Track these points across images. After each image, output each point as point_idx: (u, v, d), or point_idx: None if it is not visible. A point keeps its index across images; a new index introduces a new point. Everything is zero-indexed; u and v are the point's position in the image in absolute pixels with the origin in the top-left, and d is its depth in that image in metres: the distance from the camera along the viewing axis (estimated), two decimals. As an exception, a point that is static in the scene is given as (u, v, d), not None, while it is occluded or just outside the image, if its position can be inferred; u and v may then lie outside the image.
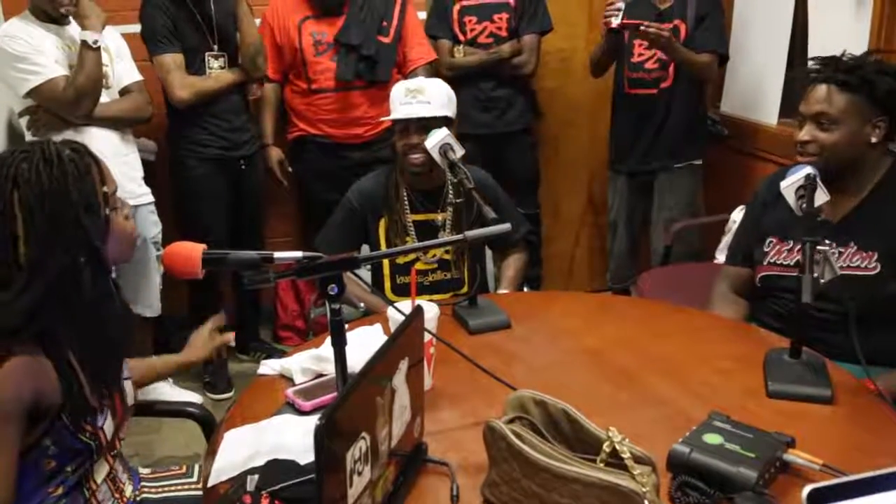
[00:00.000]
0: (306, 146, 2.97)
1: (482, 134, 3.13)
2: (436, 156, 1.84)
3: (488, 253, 2.28)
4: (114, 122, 2.51)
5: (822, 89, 1.68)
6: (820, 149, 1.68)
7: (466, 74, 3.06)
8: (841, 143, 1.67)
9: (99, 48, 2.36)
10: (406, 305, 1.41)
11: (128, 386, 1.35)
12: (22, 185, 1.17)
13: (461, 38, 3.08)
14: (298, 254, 1.15)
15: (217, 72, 2.74)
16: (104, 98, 2.48)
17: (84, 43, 2.34)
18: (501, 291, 2.10)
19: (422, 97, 1.98)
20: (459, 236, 1.33)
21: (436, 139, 1.84)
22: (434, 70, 3.03)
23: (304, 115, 2.94)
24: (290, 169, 3.06)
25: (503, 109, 3.15)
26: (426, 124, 1.95)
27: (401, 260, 2.08)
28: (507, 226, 1.37)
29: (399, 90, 2.02)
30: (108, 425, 1.27)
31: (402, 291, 2.08)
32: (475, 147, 3.15)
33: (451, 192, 2.08)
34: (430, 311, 1.43)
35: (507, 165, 3.22)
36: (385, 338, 1.48)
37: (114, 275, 1.27)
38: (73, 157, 1.21)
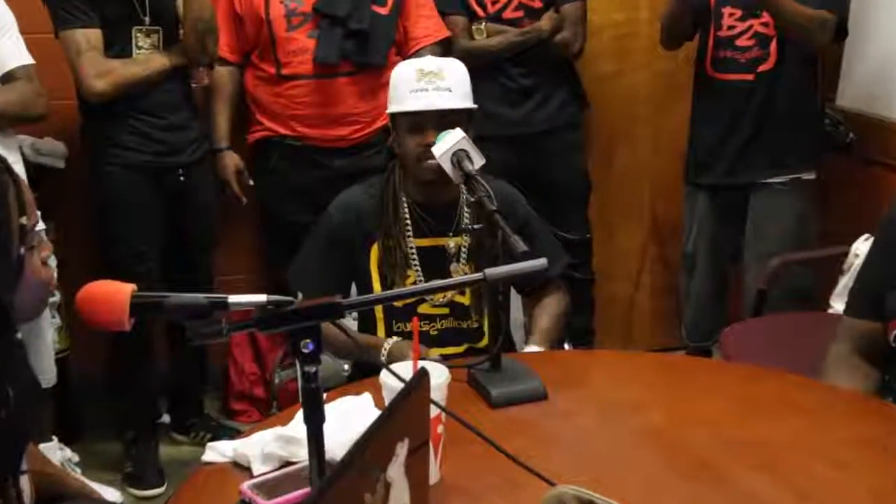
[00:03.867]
0: (273, 151, 3.01)
1: (513, 135, 3.17)
2: (447, 166, 1.87)
3: (515, 296, 2.29)
4: None
5: None
6: None
7: (489, 62, 3.11)
8: None
9: None
10: (405, 367, 1.42)
11: (24, 483, 1.36)
12: None
13: (480, 12, 3.13)
14: (262, 297, 1.17)
15: (147, 53, 2.79)
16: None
17: None
18: (533, 349, 2.11)
19: (440, 82, 2.02)
20: (477, 276, 1.34)
21: (447, 144, 1.87)
22: (444, 51, 3.05)
23: (272, 110, 2.97)
24: (251, 181, 3.10)
25: (539, 102, 3.20)
26: (447, 118, 1.99)
27: (399, 301, 2.10)
28: (541, 261, 1.39)
29: (407, 72, 2.05)
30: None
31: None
32: (503, 152, 3.15)
33: (467, 214, 2.10)
34: (439, 375, 1.43)
35: (547, 174, 3.25)
36: (377, 412, 1.48)
37: (19, 335, 1.29)
38: None
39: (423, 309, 2.11)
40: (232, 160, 3.05)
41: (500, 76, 3.15)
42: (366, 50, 2.89)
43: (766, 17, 2.87)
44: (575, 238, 3.35)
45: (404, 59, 2.95)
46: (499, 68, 3.14)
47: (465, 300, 2.13)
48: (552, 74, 3.20)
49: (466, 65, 3.10)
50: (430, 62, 2.07)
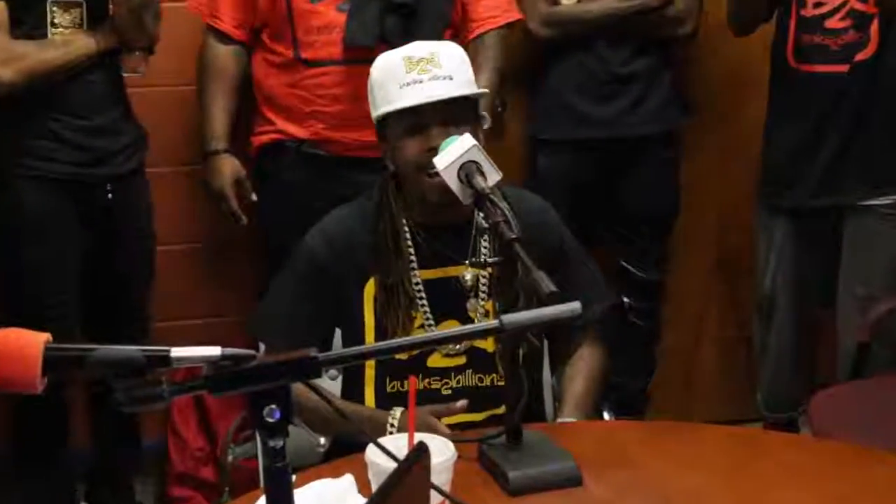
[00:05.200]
0: (286, 158, 3.00)
1: (594, 139, 3.21)
2: (453, 182, 1.88)
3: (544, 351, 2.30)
4: None
5: None
6: None
7: (576, 36, 3.15)
8: None
9: None
10: (398, 441, 1.42)
11: None
12: None
13: None
14: (214, 350, 1.17)
15: (67, 33, 2.81)
16: None
17: None
18: (565, 420, 2.12)
19: (436, 70, 2.03)
20: (492, 324, 1.35)
21: (452, 154, 1.88)
22: (508, 38, 3.06)
23: (286, 105, 2.97)
24: (253, 196, 3.09)
25: (637, 98, 3.23)
26: (453, 114, 2.00)
27: (401, 353, 2.08)
28: (573, 306, 1.39)
29: (391, 64, 2.08)
30: None
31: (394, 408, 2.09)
32: (577, 162, 3.24)
33: (484, 241, 2.11)
34: (442, 452, 1.44)
35: (632, 195, 3.30)
36: (362, 500, 1.48)
37: None
38: None
39: (435, 360, 2.11)
40: (230, 167, 3.04)
41: (585, 57, 3.19)
42: (411, 30, 2.87)
43: (864, -10, 2.88)
44: (648, 278, 3.39)
45: (464, 45, 2.99)
46: (585, 47, 3.17)
47: (487, 345, 2.13)
48: (656, 63, 3.23)
49: (546, 36, 3.19)
50: (419, 47, 2.09)
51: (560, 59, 3.22)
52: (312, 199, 2.95)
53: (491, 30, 3.04)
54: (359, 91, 2.88)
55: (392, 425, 2.00)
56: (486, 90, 2.12)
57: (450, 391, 2.11)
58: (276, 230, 3.09)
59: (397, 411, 2.02)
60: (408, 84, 2.03)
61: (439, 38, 2.87)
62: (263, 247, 3.22)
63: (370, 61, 2.87)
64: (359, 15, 2.86)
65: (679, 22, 3.22)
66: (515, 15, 3.10)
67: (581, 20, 3.17)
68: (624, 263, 3.38)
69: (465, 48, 2.88)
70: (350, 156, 2.96)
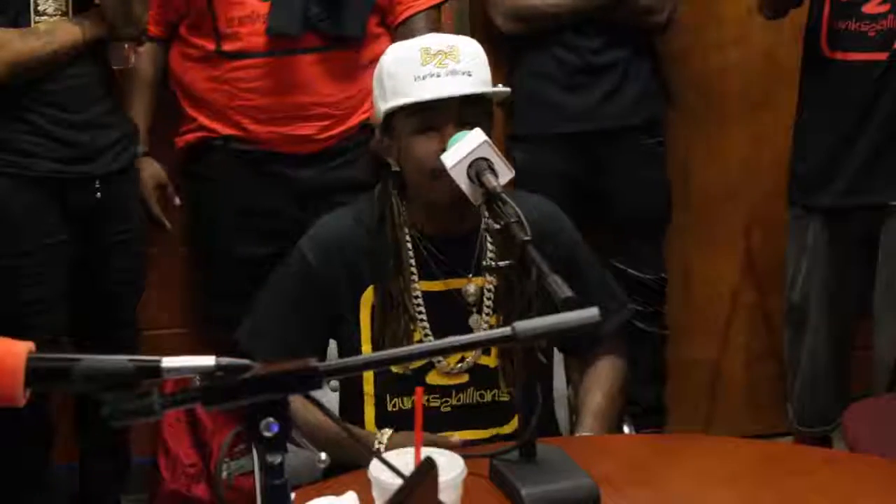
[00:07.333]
0: (214, 157, 3.04)
1: (570, 133, 3.24)
2: (462, 181, 1.88)
3: (558, 359, 2.31)
4: None
5: None
6: None
7: (544, 30, 3.19)
8: None
9: None
10: (403, 456, 1.42)
11: None
12: None
13: None
14: (208, 360, 1.17)
15: (52, 21, 2.81)
16: None
17: None
18: (582, 434, 2.12)
19: (455, 64, 2.03)
20: (503, 331, 1.35)
21: (462, 151, 1.88)
22: (437, 20, 3.09)
23: (210, 102, 3.00)
24: (177, 200, 3.12)
25: (613, 88, 3.25)
26: (469, 115, 2.01)
27: (399, 368, 2.10)
28: (591, 312, 1.39)
29: (406, 55, 2.07)
30: None
31: (397, 427, 2.09)
32: (555, 157, 3.27)
33: (490, 246, 2.12)
34: (451, 468, 1.44)
35: (616, 190, 3.33)
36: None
37: None
38: None
39: (433, 378, 2.11)
40: (151, 170, 3.08)
41: (555, 47, 3.22)
42: (338, 16, 2.91)
43: (906, -30, 2.87)
44: (647, 277, 3.41)
45: (391, 29, 3.02)
46: (556, 36, 3.20)
47: (490, 361, 2.14)
48: (632, 50, 3.26)
49: (512, 31, 3.22)
50: (437, 39, 2.09)
51: (528, 48, 3.27)
52: (245, 200, 2.99)
53: (420, 11, 3.05)
54: (284, 83, 2.95)
55: (379, 440, 2.01)
56: (508, 89, 2.11)
57: (450, 409, 2.12)
58: (209, 234, 3.14)
59: (386, 433, 2.04)
60: (424, 77, 2.02)
61: (365, 23, 2.95)
62: (195, 254, 3.26)
63: (295, 52, 2.94)
64: (282, 3, 2.88)
65: (651, 12, 3.25)
66: None
67: (547, 15, 3.20)
68: (618, 264, 3.38)
69: (394, 33, 2.93)
70: (281, 152, 2.99)
